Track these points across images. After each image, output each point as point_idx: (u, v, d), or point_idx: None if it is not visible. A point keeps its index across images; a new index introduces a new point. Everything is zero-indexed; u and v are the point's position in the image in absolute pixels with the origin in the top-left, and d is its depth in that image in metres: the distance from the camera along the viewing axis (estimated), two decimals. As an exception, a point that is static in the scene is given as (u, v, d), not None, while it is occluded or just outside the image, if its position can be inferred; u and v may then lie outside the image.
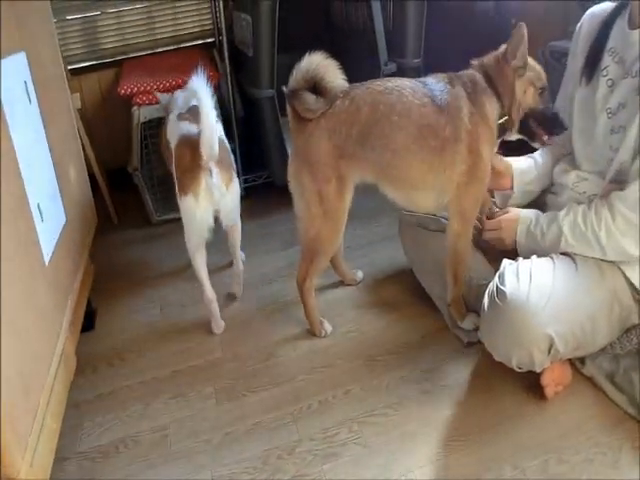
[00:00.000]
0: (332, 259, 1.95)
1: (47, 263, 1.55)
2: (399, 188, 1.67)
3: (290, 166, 1.72)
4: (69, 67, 2.73)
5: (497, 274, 1.47)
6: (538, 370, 1.46)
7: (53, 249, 1.62)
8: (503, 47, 1.56)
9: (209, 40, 3.21)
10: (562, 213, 1.50)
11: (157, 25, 3.18)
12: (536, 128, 1.61)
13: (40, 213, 1.55)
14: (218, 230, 1.90)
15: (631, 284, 1.45)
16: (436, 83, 1.58)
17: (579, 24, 1.60)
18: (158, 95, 2.34)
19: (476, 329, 1.73)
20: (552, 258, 1.47)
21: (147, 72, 2.74)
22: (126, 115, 2.73)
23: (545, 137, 1.61)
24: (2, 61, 1.41)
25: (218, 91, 2.66)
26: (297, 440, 1.50)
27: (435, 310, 1.89)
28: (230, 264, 2.18)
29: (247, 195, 2.78)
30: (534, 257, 1.48)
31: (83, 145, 2.43)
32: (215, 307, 1.94)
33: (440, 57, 2.45)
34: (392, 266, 2.20)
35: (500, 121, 1.58)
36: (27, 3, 1.75)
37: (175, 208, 2.54)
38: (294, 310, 2.00)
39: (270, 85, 2.43)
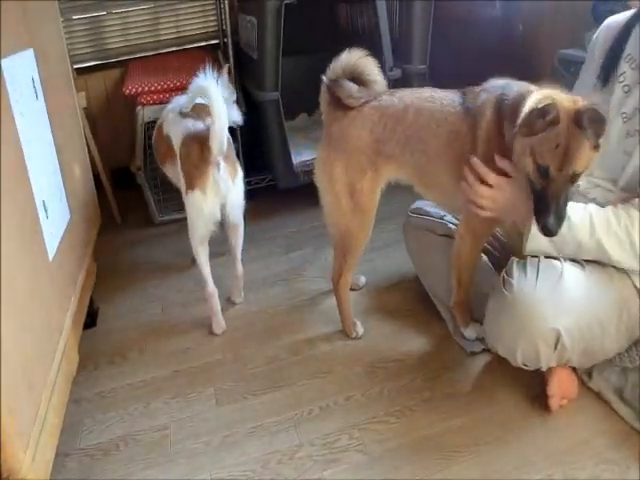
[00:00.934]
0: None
1: (51, 259, 1.54)
2: (432, 192, 1.71)
3: (320, 156, 1.70)
4: (75, 66, 2.72)
5: (504, 270, 1.47)
6: (544, 368, 1.44)
7: (57, 245, 1.62)
8: (522, 115, 1.31)
9: (214, 42, 3.21)
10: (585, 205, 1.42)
11: (163, 26, 3.18)
12: None
13: (45, 209, 1.54)
14: (219, 233, 1.90)
15: None
16: (473, 99, 1.55)
17: (595, 35, 1.60)
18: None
19: (479, 339, 1.73)
20: (560, 261, 1.46)
21: (152, 72, 2.75)
22: (130, 115, 2.74)
23: None
24: (11, 57, 1.41)
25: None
26: (297, 445, 1.49)
27: (439, 318, 1.88)
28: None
29: (250, 198, 2.75)
30: (542, 257, 1.46)
31: (88, 144, 2.42)
32: (216, 302, 1.93)
33: (446, 63, 2.46)
34: (396, 272, 2.19)
35: None
36: (35, 2, 1.75)
37: (178, 209, 2.58)
38: (296, 314, 1.99)
39: (274, 88, 2.42)
